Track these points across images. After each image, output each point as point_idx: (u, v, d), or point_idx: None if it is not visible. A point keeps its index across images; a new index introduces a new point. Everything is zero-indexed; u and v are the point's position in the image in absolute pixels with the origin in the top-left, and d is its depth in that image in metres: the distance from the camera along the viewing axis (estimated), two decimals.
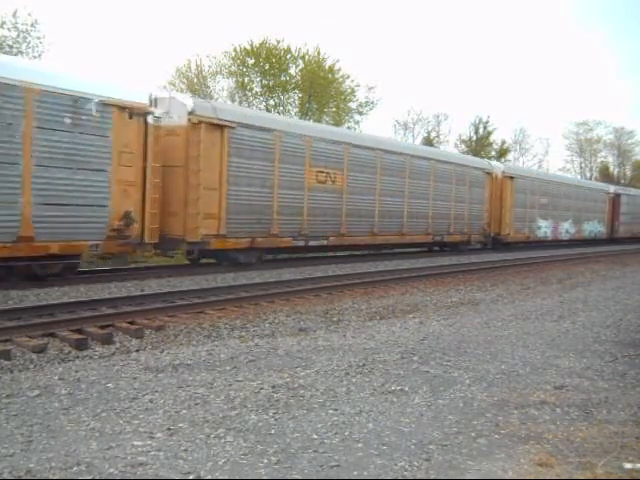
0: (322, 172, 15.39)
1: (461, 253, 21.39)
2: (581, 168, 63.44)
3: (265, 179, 13.74)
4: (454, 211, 21.27)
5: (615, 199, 35.07)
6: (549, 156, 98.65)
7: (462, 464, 3.48)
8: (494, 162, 27.31)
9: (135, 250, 11.93)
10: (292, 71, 29.00)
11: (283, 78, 28.69)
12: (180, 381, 5.01)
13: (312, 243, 15.36)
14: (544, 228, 27.36)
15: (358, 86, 30.69)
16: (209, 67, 29.89)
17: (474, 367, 5.69)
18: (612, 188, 36.01)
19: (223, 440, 3.74)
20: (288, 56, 28.41)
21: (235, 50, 28.27)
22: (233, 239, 13.13)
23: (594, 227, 32.73)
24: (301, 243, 15.05)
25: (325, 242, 15.70)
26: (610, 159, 64.82)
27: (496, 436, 3.95)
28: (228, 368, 5.46)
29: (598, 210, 33.28)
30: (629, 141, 62.86)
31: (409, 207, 18.99)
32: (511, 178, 24.58)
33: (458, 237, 21.66)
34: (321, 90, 28.74)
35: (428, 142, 43.20)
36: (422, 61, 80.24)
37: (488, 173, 23.34)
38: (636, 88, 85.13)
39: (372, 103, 31.51)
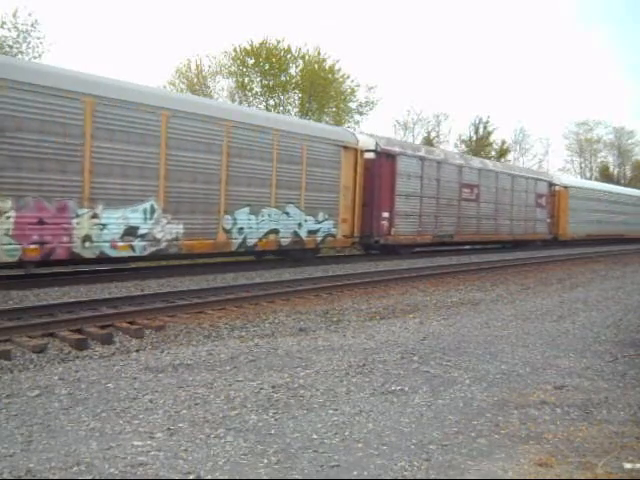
0: None
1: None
2: (581, 168, 63.52)
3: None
4: None
5: (382, 162, 16.71)
6: (549, 156, 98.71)
7: (462, 464, 3.48)
8: None
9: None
10: (292, 71, 29.04)
11: (283, 78, 28.70)
12: (180, 381, 5.01)
13: None
14: None
15: (358, 86, 30.74)
16: (209, 67, 29.99)
17: (474, 367, 5.69)
18: (371, 141, 16.71)
19: (223, 440, 3.74)
20: (288, 56, 28.42)
21: (235, 50, 28.32)
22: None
23: (279, 220, 13.89)
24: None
25: None
26: (610, 159, 64.92)
27: (496, 436, 3.95)
28: (228, 368, 5.46)
29: (309, 181, 14.58)
30: (629, 141, 62.98)
31: None
32: None
33: None
34: (321, 90, 28.74)
35: (428, 142, 43.07)
36: (422, 61, 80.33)
37: None
38: (636, 88, 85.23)
39: (372, 103, 31.54)
